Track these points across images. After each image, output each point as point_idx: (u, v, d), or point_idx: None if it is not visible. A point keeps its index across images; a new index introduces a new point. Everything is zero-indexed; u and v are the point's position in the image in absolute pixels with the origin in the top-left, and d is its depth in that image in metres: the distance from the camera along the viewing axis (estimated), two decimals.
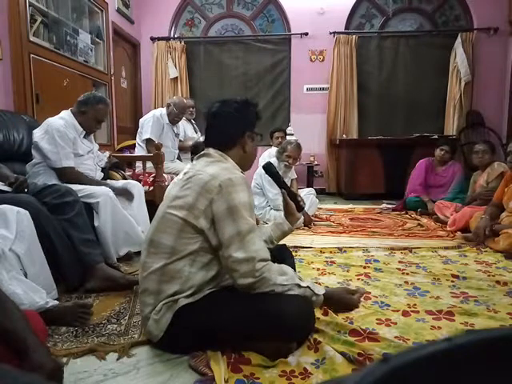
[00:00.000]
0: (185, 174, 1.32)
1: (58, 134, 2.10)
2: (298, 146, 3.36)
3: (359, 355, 1.22)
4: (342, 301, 1.54)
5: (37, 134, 2.15)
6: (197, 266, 1.24)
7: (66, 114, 2.23)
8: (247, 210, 1.23)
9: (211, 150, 1.35)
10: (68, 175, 2.14)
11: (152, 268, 1.26)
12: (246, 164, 1.42)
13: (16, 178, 1.84)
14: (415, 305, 1.65)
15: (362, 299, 1.69)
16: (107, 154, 2.61)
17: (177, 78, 5.39)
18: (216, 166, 1.28)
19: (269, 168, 1.55)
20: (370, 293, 1.78)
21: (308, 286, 1.30)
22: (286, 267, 1.29)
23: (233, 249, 1.19)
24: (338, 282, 1.92)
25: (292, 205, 1.52)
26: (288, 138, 4.21)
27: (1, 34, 2.83)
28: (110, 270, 1.88)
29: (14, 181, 1.82)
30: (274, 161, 3.37)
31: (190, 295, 1.24)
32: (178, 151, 3.83)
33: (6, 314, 0.94)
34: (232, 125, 1.36)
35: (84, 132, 2.25)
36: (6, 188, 1.82)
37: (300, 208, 1.54)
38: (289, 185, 3.41)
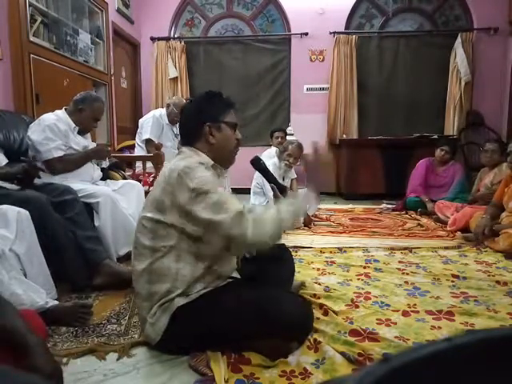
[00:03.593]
0: None
1: (48, 126, 2.11)
2: (300, 146, 3.39)
3: (359, 355, 1.22)
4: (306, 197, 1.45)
5: (30, 129, 2.18)
6: (183, 260, 1.23)
7: (60, 111, 2.25)
8: (213, 186, 1.20)
9: (184, 148, 1.36)
10: (58, 164, 2.14)
11: (139, 270, 1.26)
12: (221, 157, 1.35)
13: (23, 169, 1.84)
14: (415, 305, 1.64)
15: (362, 299, 1.69)
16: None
17: (177, 78, 5.39)
18: (182, 161, 1.27)
19: (256, 162, 1.49)
20: (370, 293, 1.78)
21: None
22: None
23: (219, 217, 1.16)
24: (338, 282, 1.92)
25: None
26: (288, 137, 4.21)
27: (1, 34, 2.83)
28: (116, 266, 1.89)
29: (22, 172, 1.82)
30: (275, 161, 3.38)
31: (184, 293, 1.23)
32: (177, 151, 3.83)
33: (5, 313, 0.94)
34: (190, 118, 1.36)
35: (77, 128, 2.26)
36: (10, 186, 1.82)
37: None
38: (289, 185, 3.44)
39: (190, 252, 1.24)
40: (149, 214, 1.24)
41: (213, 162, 1.32)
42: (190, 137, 1.35)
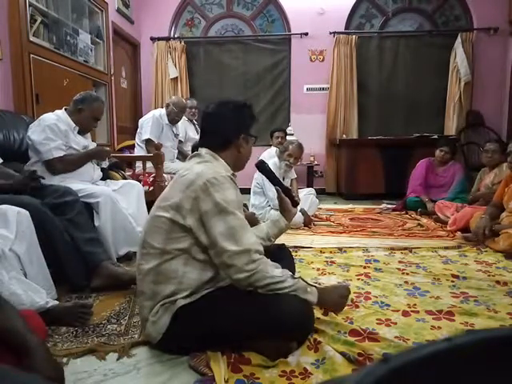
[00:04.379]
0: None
1: (49, 126, 2.11)
2: (300, 146, 3.38)
3: (359, 355, 1.22)
4: (332, 300, 1.48)
5: (30, 129, 2.18)
6: (191, 265, 1.24)
7: (60, 111, 2.25)
8: (235, 207, 1.22)
9: (203, 151, 1.35)
10: (59, 164, 2.14)
11: (146, 269, 1.26)
12: (239, 165, 1.41)
13: (32, 172, 1.84)
14: (415, 305, 1.64)
15: (362, 299, 1.69)
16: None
17: (177, 78, 5.39)
18: (203, 166, 1.28)
19: (261, 166, 1.52)
20: (370, 293, 1.78)
21: (300, 277, 1.30)
22: (277, 264, 1.29)
23: (226, 244, 1.18)
24: (338, 282, 1.92)
25: (287, 200, 1.51)
26: (288, 138, 4.21)
27: (1, 34, 2.83)
28: (114, 268, 1.89)
29: (27, 175, 1.82)
30: (275, 161, 3.38)
31: (188, 296, 1.23)
32: (177, 151, 3.83)
33: (6, 313, 0.94)
34: (227, 126, 1.35)
35: (77, 128, 2.26)
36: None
37: (295, 203, 1.54)
38: (288, 185, 3.44)
39: (199, 259, 1.24)
40: (166, 215, 1.23)
41: (231, 171, 1.34)
42: (220, 143, 1.35)
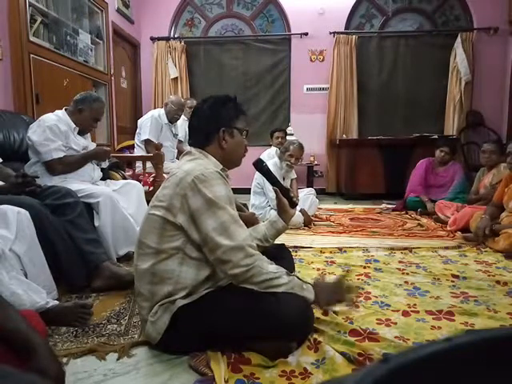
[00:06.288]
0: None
1: (49, 127, 2.11)
2: (301, 147, 3.39)
3: (359, 355, 1.21)
4: (330, 292, 1.36)
5: (30, 129, 2.18)
6: (187, 264, 1.23)
7: (60, 112, 2.25)
8: (226, 203, 1.21)
9: (192, 149, 1.35)
10: (59, 165, 2.14)
11: (142, 270, 1.26)
12: (230, 161, 1.37)
13: (23, 175, 1.83)
14: (415, 305, 1.64)
15: (362, 299, 1.69)
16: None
17: (177, 78, 5.39)
18: (193, 163, 1.27)
19: (259, 165, 1.49)
20: (370, 293, 1.78)
21: (294, 274, 1.29)
22: (271, 261, 1.27)
23: (220, 239, 1.17)
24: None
25: (285, 201, 1.48)
26: (288, 137, 4.21)
27: (1, 34, 2.83)
28: (115, 268, 1.89)
29: (20, 181, 1.81)
30: (276, 161, 3.38)
31: (186, 296, 1.23)
32: (177, 151, 3.83)
33: (7, 314, 0.94)
34: (205, 122, 1.34)
35: (77, 128, 2.26)
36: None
37: (293, 204, 1.51)
38: (289, 185, 3.44)
39: (195, 257, 1.24)
40: (159, 213, 1.23)
41: (221, 166, 1.33)
42: (202, 139, 1.34)
